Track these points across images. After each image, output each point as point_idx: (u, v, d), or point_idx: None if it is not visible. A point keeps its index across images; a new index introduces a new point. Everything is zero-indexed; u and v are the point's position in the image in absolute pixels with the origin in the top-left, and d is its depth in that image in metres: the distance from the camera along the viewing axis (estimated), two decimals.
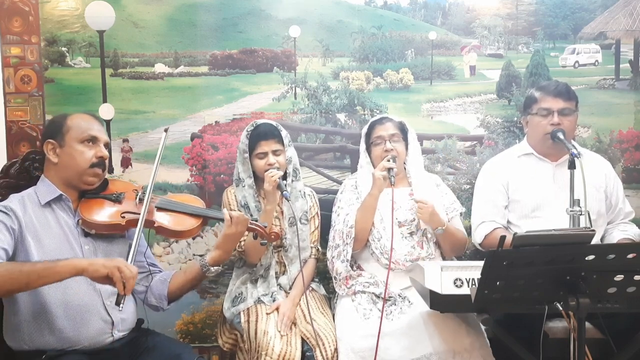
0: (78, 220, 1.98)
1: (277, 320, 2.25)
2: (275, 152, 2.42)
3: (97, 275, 1.71)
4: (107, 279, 1.71)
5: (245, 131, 2.47)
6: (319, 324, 2.26)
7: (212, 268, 2.08)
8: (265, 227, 2.16)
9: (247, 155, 2.44)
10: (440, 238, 2.48)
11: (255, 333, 2.22)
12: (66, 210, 1.99)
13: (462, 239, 2.54)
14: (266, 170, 2.36)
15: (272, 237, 2.18)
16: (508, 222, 2.56)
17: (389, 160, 2.43)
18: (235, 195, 2.49)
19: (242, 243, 2.39)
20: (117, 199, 2.06)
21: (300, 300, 2.39)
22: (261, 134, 2.42)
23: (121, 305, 1.76)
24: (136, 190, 2.12)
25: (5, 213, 1.87)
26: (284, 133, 2.48)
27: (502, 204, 2.56)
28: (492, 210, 2.55)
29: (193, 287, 2.15)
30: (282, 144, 2.45)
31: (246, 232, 2.38)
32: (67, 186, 2.01)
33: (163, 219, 2.06)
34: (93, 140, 2.01)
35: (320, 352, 2.19)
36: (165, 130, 2.10)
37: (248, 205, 2.44)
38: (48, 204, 1.96)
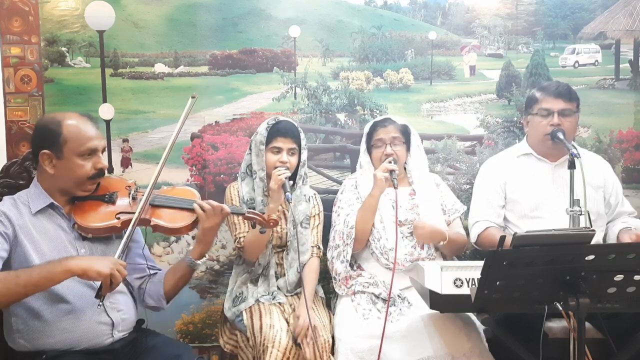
0: (73, 225, 1.94)
1: (301, 332, 2.19)
2: (290, 151, 2.41)
3: (97, 277, 1.73)
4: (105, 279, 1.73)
5: (265, 123, 2.45)
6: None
7: (198, 262, 2.07)
8: (264, 214, 2.14)
9: (263, 147, 2.42)
10: (441, 249, 2.49)
11: (261, 327, 2.22)
12: (59, 215, 1.95)
13: (462, 242, 2.54)
14: (275, 167, 2.35)
15: (271, 223, 2.14)
16: (508, 222, 2.56)
17: (390, 162, 2.43)
18: (237, 191, 2.48)
19: (242, 239, 2.39)
20: (110, 200, 1.99)
21: (310, 303, 2.34)
22: (281, 130, 2.42)
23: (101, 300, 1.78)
24: (129, 187, 2.05)
25: None
26: (302, 135, 2.48)
27: (498, 203, 2.56)
28: (487, 210, 2.55)
29: (185, 284, 2.13)
30: (299, 145, 2.44)
31: (246, 229, 2.40)
32: (60, 193, 1.95)
33: (159, 216, 2.01)
34: (93, 152, 1.94)
35: (307, 343, 2.18)
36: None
37: (254, 199, 2.43)
38: (40, 211, 1.92)
